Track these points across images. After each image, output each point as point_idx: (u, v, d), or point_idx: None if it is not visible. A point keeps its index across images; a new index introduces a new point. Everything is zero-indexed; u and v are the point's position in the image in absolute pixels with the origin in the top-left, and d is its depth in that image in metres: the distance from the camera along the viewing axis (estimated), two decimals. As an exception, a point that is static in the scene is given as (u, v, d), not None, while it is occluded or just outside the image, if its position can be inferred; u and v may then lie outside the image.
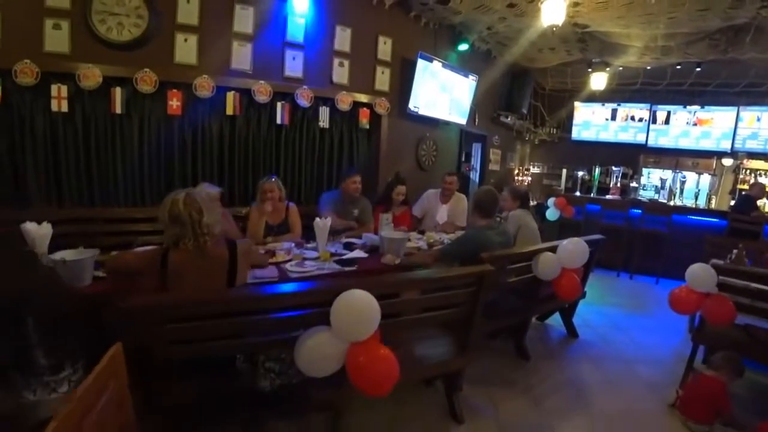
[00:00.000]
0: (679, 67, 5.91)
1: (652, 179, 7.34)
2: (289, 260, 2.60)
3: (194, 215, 1.63)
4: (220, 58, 3.57)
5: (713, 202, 6.13)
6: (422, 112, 4.62)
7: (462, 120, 5.33)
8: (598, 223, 5.46)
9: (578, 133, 7.75)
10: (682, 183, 6.51)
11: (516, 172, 7.77)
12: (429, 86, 4.61)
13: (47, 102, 3.25)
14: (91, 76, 3.27)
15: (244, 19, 3.61)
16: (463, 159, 7.79)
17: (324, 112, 3.96)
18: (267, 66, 3.71)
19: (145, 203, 3.55)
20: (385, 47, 4.27)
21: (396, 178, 3.92)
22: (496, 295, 2.61)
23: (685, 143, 7.07)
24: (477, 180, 6.74)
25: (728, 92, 6.76)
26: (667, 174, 7.14)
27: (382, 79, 4.31)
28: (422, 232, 3.66)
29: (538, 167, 8.32)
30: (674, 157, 7.19)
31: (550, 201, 5.56)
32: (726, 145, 6.83)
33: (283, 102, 3.77)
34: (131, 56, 3.37)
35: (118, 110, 3.38)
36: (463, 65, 5.16)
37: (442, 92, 4.81)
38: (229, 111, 3.60)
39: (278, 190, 3.14)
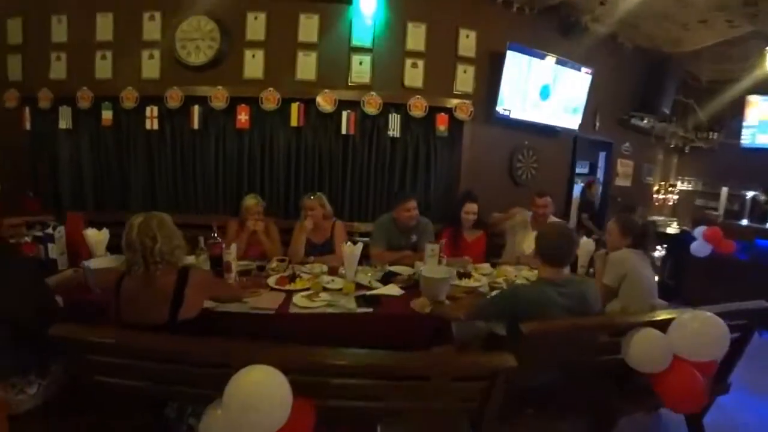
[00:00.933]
0: None
1: None
2: (306, 289, 2.26)
3: (146, 242, 1.56)
4: (285, 70, 3.52)
5: None
6: (515, 115, 3.87)
7: (573, 124, 4.36)
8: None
9: (751, 137, 5.79)
10: None
11: (656, 188, 6.18)
12: (524, 84, 3.85)
13: (143, 121, 3.60)
14: (175, 97, 3.53)
15: (309, 28, 3.49)
16: (585, 171, 6.61)
17: (394, 120, 3.57)
18: (332, 73, 3.52)
19: (218, 212, 3.66)
20: (467, 42, 3.69)
21: (465, 194, 3.29)
22: (555, 376, 1.79)
23: None
24: (598, 198, 5.52)
25: None
26: None
27: (465, 79, 3.73)
28: (494, 265, 2.92)
29: (690, 183, 6.49)
30: None
31: (698, 230, 4.11)
32: None
33: (348, 111, 3.51)
34: (207, 76, 3.57)
35: (196, 126, 3.57)
36: (574, 55, 4.23)
37: (543, 91, 3.99)
38: (294, 122, 3.51)
39: (320, 207, 2.87)
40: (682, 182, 6.48)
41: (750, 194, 5.46)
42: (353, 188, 3.69)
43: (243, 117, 3.53)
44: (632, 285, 2.20)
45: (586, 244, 2.79)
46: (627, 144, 5.44)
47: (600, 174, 5.61)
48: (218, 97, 3.49)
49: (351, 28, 3.50)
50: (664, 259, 5.15)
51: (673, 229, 5.78)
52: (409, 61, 3.57)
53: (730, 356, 1.90)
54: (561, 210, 4.76)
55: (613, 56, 4.86)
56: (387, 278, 2.60)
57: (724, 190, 5.72)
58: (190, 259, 2.27)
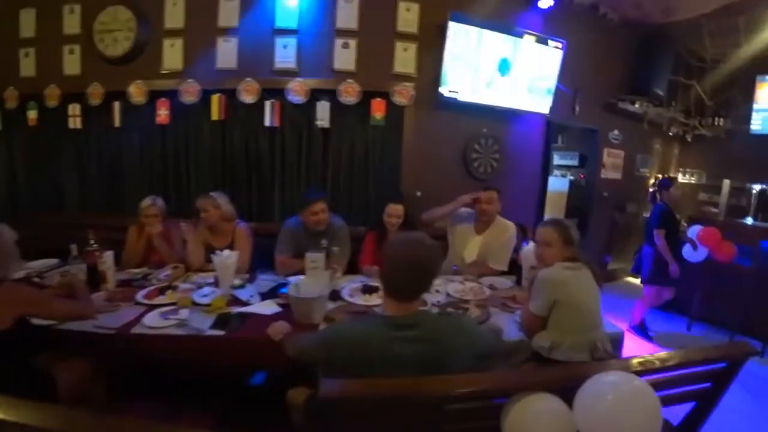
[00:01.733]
0: None
1: None
2: (171, 304, 2.00)
3: None
4: (205, 59, 3.25)
5: None
6: (465, 97, 3.45)
7: (542, 107, 3.88)
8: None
9: (763, 123, 5.08)
10: None
11: (653, 182, 5.56)
12: (475, 60, 3.42)
13: (65, 120, 3.44)
14: (96, 93, 3.42)
15: (230, 11, 3.22)
16: (575, 163, 6.07)
17: (323, 108, 3.23)
18: (254, 60, 3.22)
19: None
20: (408, 15, 3.28)
21: (388, 195, 2.91)
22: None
23: None
24: (584, 194, 4.99)
25: None
26: None
27: (405, 58, 3.33)
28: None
29: (693, 176, 5.80)
30: None
31: (692, 230, 3.57)
32: None
33: (272, 100, 3.20)
34: (127, 70, 3.38)
35: (117, 123, 3.39)
36: (545, 28, 3.76)
37: (502, 65, 3.54)
38: (215, 116, 3.23)
39: (214, 208, 2.56)
40: (684, 175, 5.82)
41: (757, 188, 4.80)
42: (284, 186, 3.39)
43: (163, 112, 3.30)
44: (565, 313, 1.69)
45: (530, 253, 2.36)
46: (616, 131, 4.88)
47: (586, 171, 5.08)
48: (137, 91, 3.29)
49: (275, 8, 3.18)
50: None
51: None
52: (339, 42, 3.22)
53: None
54: (532, 208, 4.31)
55: (595, 30, 4.33)
56: (368, 289, 2.27)
57: (726, 183, 5.06)
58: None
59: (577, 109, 4.35)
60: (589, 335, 1.69)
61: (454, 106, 3.45)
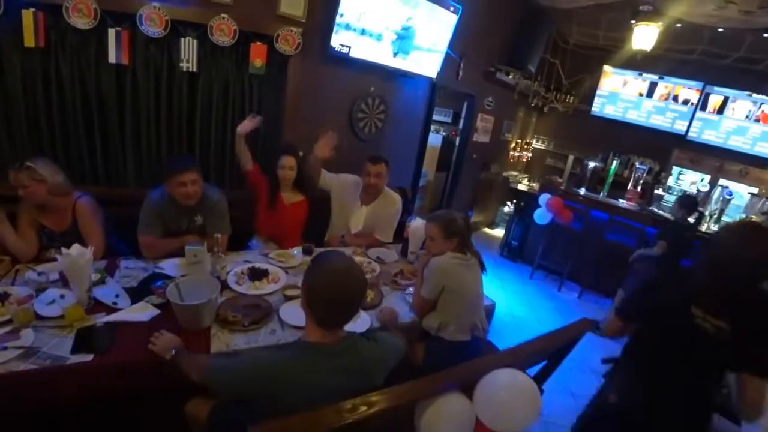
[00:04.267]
0: (767, 35, 4.14)
1: (682, 182, 5.75)
2: (5, 323, 1.49)
3: None
4: None
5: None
6: (356, 53, 3.19)
7: (431, 71, 3.85)
8: (602, 240, 4.37)
9: (601, 107, 6.05)
10: (727, 201, 4.75)
11: (513, 145, 6.27)
12: (370, 15, 3.14)
13: None
14: None
15: None
16: (449, 120, 6.39)
17: (189, 47, 2.62)
18: None
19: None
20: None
21: (281, 147, 2.72)
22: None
23: (737, 143, 5.37)
24: (454, 156, 5.35)
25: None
26: (702, 179, 5.57)
27: (294, -3, 2.87)
28: (308, 251, 2.41)
29: (543, 142, 6.74)
30: (719, 159, 5.53)
31: (542, 198, 4.38)
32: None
33: (118, 28, 2.43)
34: None
35: None
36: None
37: (396, 26, 3.33)
38: (28, 41, 2.25)
39: (36, 182, 1.93)
40: (537, 141, 6.69)
41: (591, 164, 5.82)
42: (137, 145, 2.71)
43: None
44: (452, 298, 1.88)
45: (419, 229, 2.47)
46: (490, 98, 5.21)
47: (460, 127, 5.38)
48: None
49: None
50: (510, 218, 5.38)
51: (523, 185, 6.03)
52: (212, -40, 2.58)
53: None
54: (411, 164, 4.49)
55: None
56: (256, 274, 2.04)
57: (570, 158, 6.02)
58: None
59: (461, 74, 4.46)
60: (472, 318, 1.95)
61: (345, 61, 3.18)
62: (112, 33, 2.41)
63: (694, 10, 3.97)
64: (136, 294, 1.79)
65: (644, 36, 4.48)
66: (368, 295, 2.01)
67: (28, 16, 2.24)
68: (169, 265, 2.09)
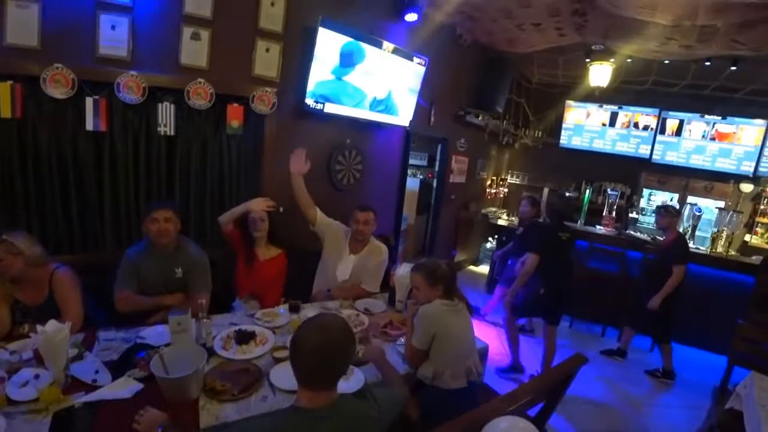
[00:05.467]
0: (708, 63, 4.49)
1: (653, 203, 5.99)
2: None
3: None
4: None
5: (720, 243, 4.55)
6: (331, 110, 3.32)
7: (404, 120, 4.02)
8: (584, 267, 4.25)
9: (568, 139, 6.38)
10: (698, 217, 4.97)
11: (489, 183, 6.45)
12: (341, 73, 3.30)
13: None
14: None
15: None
16: (424, 163, 6.55)
17: (166, 111, 2.69)
18: (67, 39, 2.39)
19: None
20: (273, 11, 2.91)
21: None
22: None
23: (698, 161, 5.68)
24: (433, 198, 5.45)
25: (760, 101, 5.33)
26: (671, 198, 5.81)
27: (267, 59, 2.99)
28: (295, 308, 2.29)
29: (518, 177, 6.97)
30: (684, 178, 5.82)
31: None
32: (748, 167, 5.46)
33: (96, 97, 2.49)
34: None
35: None
36: (409, 43, 3.83)
37: (368, 81, 3.50)
38: (5, 112, 2.27)
39: (12, 255, 1.87)
40: (512, 176, 6.91)
41: (566, 194, 6.01)
42: (115, 210, 2.68)
43: None
44: (444, 345, 1.85)
45: (405, 278, 2.40)
46: (462, 140, 5.42)
47: (436, 169, 5.53)
48: None
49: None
50: (492, 255, 5.41)
51: (503, 220, 6.13)
52: (188, 31, 2.68)
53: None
54: (392, 208, 4.56)
55: (452, 49, 4.64)
56: (243, 337, 1.94)
57: (545, 190, 6.21)
58: None
59: (433, 119, 4.65)
60: (466, 363, 1.90)
61: (320, 116, 3.29)
62: (89, 101, 2.45)
63: (640, 47, 4.31)
64: (117, 368, 1.69)
65: (599, 73, 4.81)
66: (359, 351, 1.96)
67: (5, 88, 2.27)
68: (151, 334, 2.01)
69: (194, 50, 2.73)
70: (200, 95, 2.74)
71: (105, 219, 2.66)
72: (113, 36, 2.51)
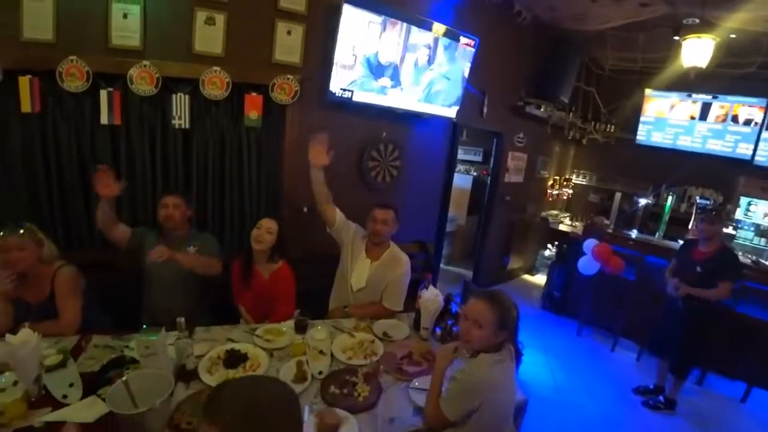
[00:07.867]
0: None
1: (753, 214, 4.92)
2: None
3: None
4: (7, 25, 2.20)
5: None
6: (360, 98, 2.93)
7: (450, 110, 3.54)
8: (661, 291, 3.10)
9: (647, 135, 5.45)
10: None
11: (551, 183, 5.73)
12: (374, 54, 2.90)
13: None
14: None
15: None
16: (479, 159, 6.01)
17: (180, 103, 2.49)
18: (80, 30, 2.27)
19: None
20: (294, -11, 2.61)
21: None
22: None
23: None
24: (486, 198, 4.89)
25: None
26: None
27: (289, 43, 2.68)
28: (301, 327, 1.92)
29: (585, 177, 6.14)
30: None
31: (588, 244, 3.76)
32: None
33: (110, 89, 2.35)
34: None
35: None
36: (455, 22, 3.35)
37: (405, 64, 3.06)
38: (25, 107, 2.23)
39: (18, 251, 1.77)
40: (578, 176, 6.12)
41: (642, 201, 5.18)
42: (132, 204, 2.55)
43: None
44: (484, 417, 1.36)
45: (431, 302, 2.07)
46: (521, 134, 4.80)
47: (490, 167, 4.97)
48: None
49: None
50: (551, 264, 4.79)
51: (565, 225, 5.46)
52: (201, 15, 2.45)
53: None
54: (434, 209, 4.10)
55: (507, 29, 4.07)
56: (233, 360, 1.74)
57: (618, 194, 5.41)
58: None
59: (486, 111, 4.12)
60: (503, 431, 1.46)
61: (348, 106, 2.93)
62: (104, 94, 2.36)
63: (752, 16, 3.44)
64: (92, 383, 1.50)
65: (696, 50, 3.90)
66: (361, 392, 1.58)
67: (23, 82, 2.23)
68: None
69: (209, 36, 2.51)
70: (216, 84, 2.52)
71: (122, 214, 2.46)
72: (125, 25, 2.37)
